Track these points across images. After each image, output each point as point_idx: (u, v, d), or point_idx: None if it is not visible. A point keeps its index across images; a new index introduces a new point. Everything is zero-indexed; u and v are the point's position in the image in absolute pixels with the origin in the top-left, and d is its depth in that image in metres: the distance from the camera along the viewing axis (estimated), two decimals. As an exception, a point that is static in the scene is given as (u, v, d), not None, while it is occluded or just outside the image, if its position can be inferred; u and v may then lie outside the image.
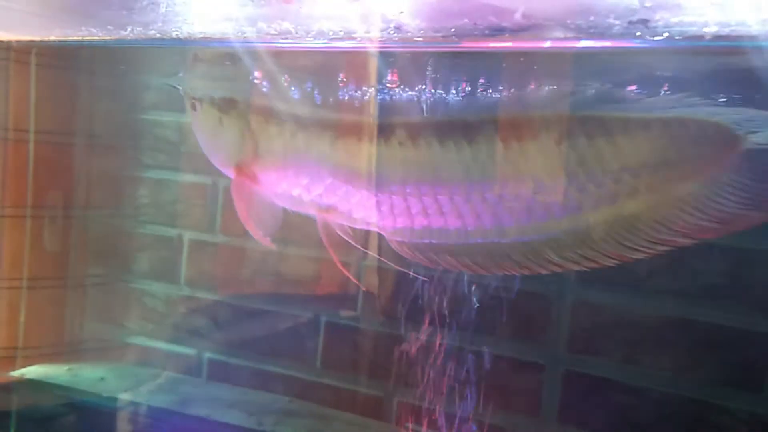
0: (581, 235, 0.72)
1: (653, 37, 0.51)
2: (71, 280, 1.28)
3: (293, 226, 0.93)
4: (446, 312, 1.01)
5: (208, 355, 1.30)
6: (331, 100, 0.76)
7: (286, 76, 0.77)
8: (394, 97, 0.74)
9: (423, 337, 1.05)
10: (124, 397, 1.21)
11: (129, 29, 0.73)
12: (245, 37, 0.67)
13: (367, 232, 0.82)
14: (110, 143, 1.32)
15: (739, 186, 0.69)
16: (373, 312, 1.15)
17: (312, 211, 0.79)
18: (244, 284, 1.28)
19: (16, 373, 1.24)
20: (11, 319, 1.22)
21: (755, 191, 0.69)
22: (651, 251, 0.71)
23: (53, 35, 0.82)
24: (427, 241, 0.76)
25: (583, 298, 1.00)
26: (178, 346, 1.32)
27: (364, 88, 0.75)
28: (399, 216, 0.75)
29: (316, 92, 0.76)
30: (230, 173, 0.82)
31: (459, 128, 0.71)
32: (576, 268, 0.73)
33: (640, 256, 0.71)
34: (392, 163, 0.73)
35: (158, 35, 0.73)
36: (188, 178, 1.30)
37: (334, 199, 0.77)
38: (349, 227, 0.80)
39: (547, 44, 0.55)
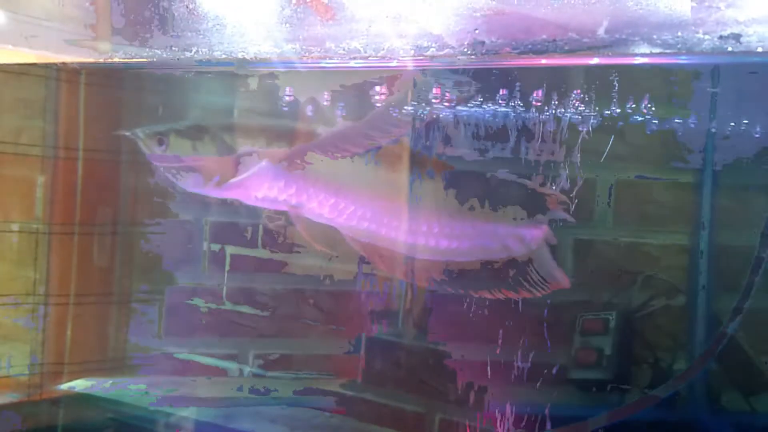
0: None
1: (746, 52, 0.50)
2: (117, 296, 1.30)
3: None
4: (490, 328, 1.01)
5: (249, 369, 1.31)
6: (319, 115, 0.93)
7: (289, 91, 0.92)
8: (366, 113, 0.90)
9: (467, 353, 1.05)
10: (168, 411, 1.22)
11: (194, 50, 0.74)
12: (313, 57, 0.68)
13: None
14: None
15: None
16: (408, 327, 1.15)
17: (285, 208, 0.95)
18: (286, 298, 1.29)
19: (63, 387, 1.26)
20: (59, 334, 1.24)
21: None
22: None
23: (117, 57, 0.84)
24: (366, 240, 0.94)
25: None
26: (220, 360, 1.33)
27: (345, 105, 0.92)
28: (348, 216, 0.92)
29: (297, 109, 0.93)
30: (211, 191, 0.95)
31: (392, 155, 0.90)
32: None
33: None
34: (340, 173, 0.91)
35: (224, 56, 0.75)
36: (231, 193, 1.31)
37: (302, 199, 0.92)
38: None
39: (637, 60, 0.56)
